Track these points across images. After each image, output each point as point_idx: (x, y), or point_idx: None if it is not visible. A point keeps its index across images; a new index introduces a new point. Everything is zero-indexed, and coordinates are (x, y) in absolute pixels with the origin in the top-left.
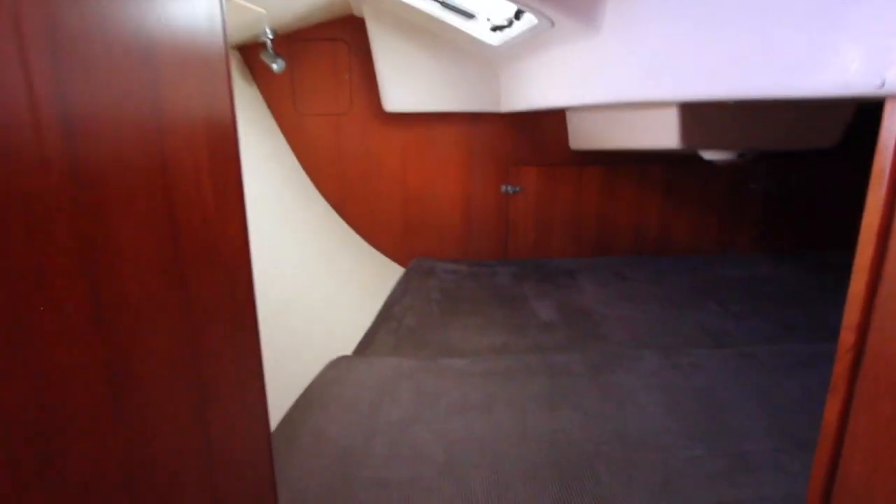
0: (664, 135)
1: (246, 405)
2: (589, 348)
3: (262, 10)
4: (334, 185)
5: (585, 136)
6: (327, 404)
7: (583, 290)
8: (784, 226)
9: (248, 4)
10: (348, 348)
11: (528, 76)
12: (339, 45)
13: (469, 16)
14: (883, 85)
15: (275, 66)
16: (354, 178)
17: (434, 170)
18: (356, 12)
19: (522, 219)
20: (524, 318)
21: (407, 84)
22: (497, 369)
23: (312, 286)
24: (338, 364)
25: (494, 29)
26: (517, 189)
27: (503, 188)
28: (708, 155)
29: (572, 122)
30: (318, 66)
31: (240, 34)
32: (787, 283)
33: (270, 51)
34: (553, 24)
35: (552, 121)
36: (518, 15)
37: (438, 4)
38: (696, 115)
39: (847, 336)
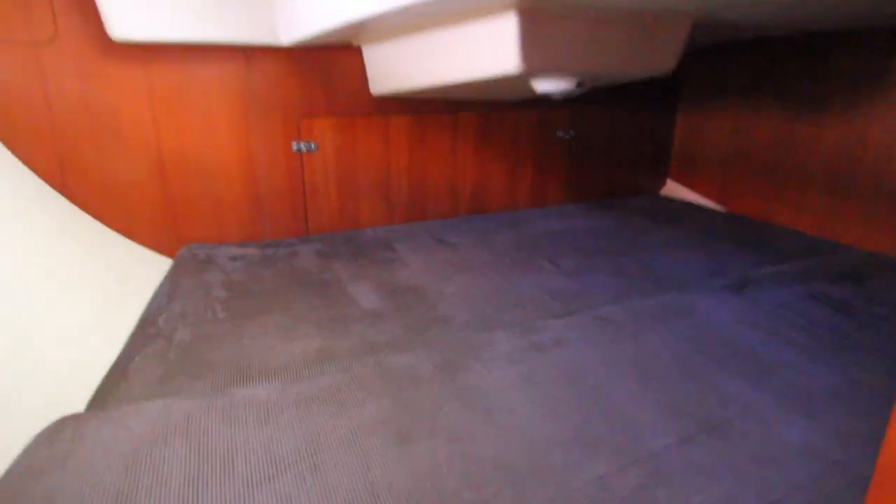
0: (499, 56)
1: None
2: (431, 340)
3: None
4: (47, 151)
5: (390, 74)
6: None
7: (406, 263)
8: (589, 174)
9: None
10: (85, 397)
11: None
12: None
13: None
14: None
15: None
16: (80, 140)
17: (200, 126)
18: None
19: (322, 183)
20: (342, 309)
21: None
22: (317, 393)
23: (20, 303)
24: (56, 434)
25: None
26: (312, 146)
27: (295, 146)
28: (545, 85)
29: (372, 59)
30: None
31: None
32: (601, 232)
33: None
34: None
35: (348, 60)
36: None
37: None
38: (535, 28)
39: None
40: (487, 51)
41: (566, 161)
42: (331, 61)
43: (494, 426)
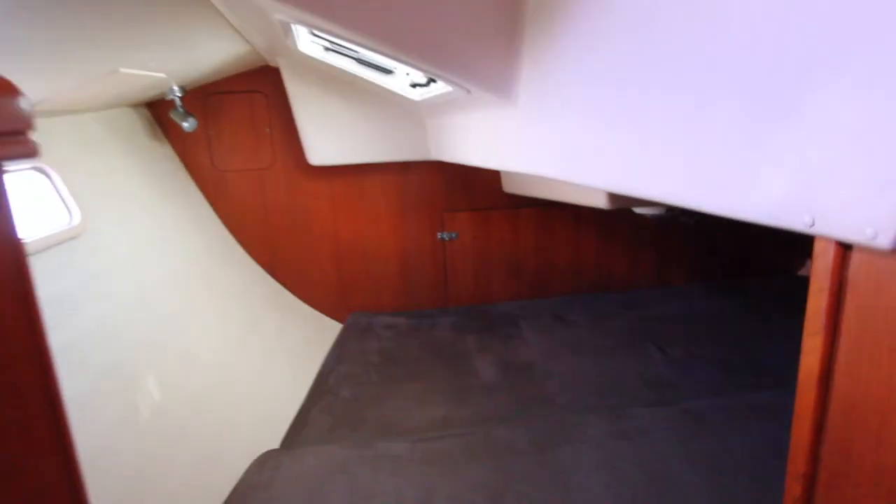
0: (593, 195)
1: None
2: (533, 416)
3: (162, 75)
4: (262, 243)
5: (518, 183)
6: None
7: (525, 340)
8: (714, 256)
9: (146, 72)
10: (282, 433)
11: (453, 132)
12: (257, 97)
13: (387, 72)
14: (812, 224)
15: (185, 125)
16: (283, 234)
17: (366, 221)
18: (271, 63)
19: (461, 265)
20: (466, 381)
21: (330, 136)
22: (436, 453)
23: (241, 360)
24: (264, 463)
25: (414, 86)
26: (453, 235)
27: (439, 235)
28: (639, 209)
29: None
30: (235, 120)
31: (145, 92)
32: (721, 317)
33: (180, 109)
34: (469, 91)
35: None
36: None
37: (354, 60)
38: None
39: (793, 487)
40: (585, 189)
41: (692, 240)
42: (470, 166)
43: (569, 499)
